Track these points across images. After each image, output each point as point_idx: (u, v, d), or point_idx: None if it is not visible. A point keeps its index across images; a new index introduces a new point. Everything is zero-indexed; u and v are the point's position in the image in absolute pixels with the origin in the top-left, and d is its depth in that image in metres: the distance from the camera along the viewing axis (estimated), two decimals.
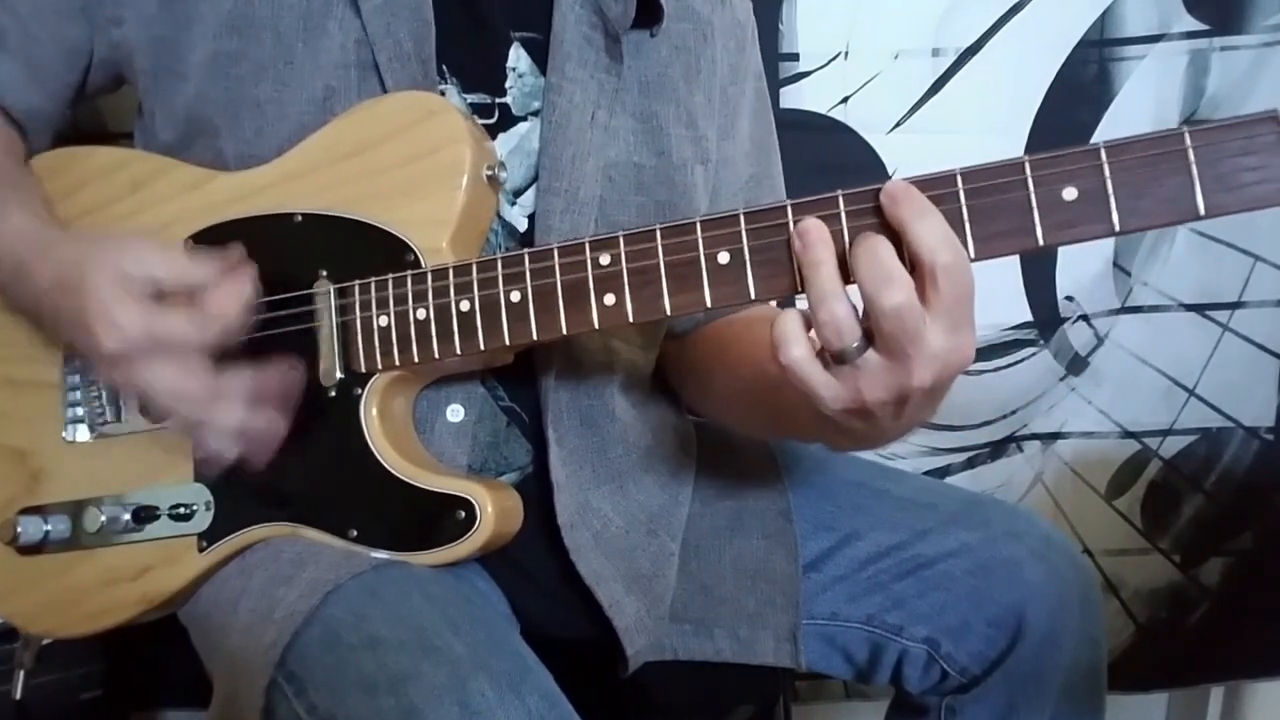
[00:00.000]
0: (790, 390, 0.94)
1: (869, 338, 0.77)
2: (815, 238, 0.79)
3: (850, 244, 0.78)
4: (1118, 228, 0.75)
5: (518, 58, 1.06)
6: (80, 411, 1.07)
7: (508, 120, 1.06)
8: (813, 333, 0.79)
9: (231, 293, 0.92)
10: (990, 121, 1.63)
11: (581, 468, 1.08)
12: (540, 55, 1.06)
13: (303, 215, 1.00)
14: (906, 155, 1.62)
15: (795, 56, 1.61)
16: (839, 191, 0.81)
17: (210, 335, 0.91)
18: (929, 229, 0.75)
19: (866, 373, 0.78)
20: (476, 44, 1.06)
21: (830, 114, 1.63)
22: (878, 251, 0.76)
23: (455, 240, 0.96)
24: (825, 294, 0.77)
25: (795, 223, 0.81)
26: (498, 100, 1.06)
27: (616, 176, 1.07)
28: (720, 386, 1.14)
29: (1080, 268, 1.68)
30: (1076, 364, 1.71)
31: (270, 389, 0.95)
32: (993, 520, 1.12)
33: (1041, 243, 0.77)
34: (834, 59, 1.62)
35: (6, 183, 1.06)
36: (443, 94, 1.03)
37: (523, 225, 1.06)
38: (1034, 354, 1.70)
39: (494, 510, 0.95)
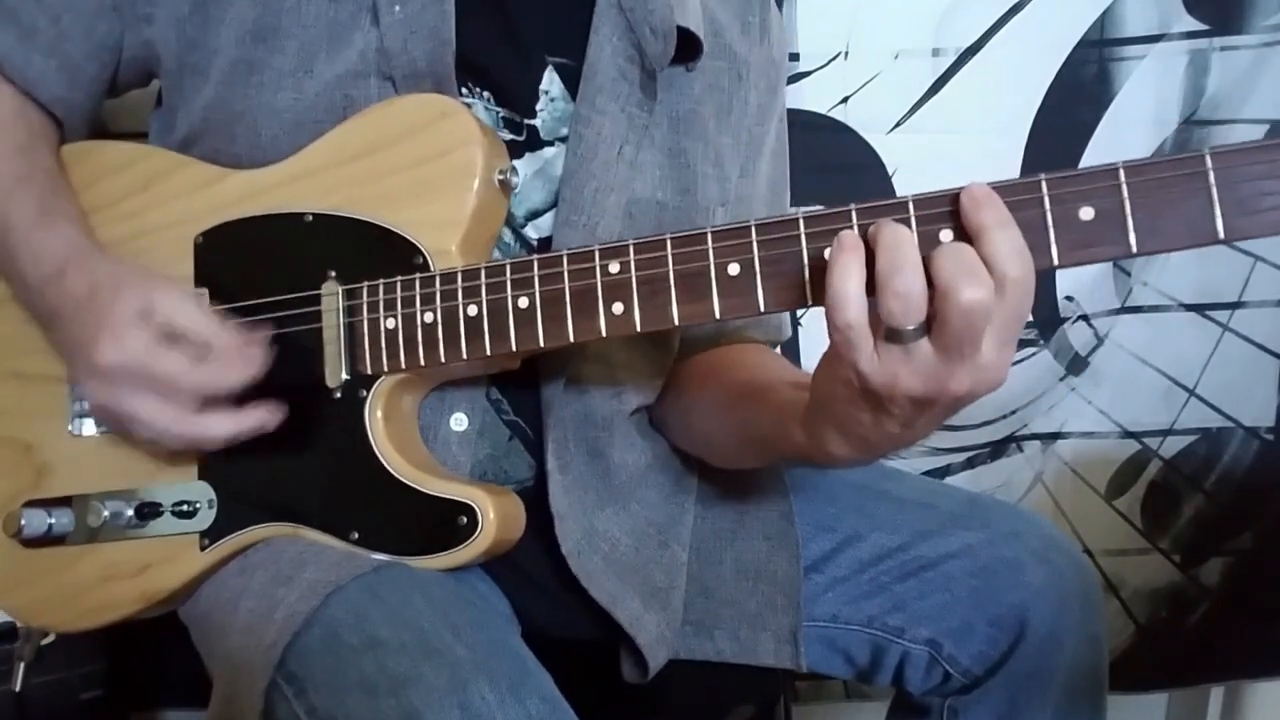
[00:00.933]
0: (776, 395, 0.93)
1: (928, 326, 0.75)
2: (892, 224, 0.76)
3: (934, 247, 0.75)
4: (1135, 249, 0.74)
5: (550, 82, 1.06)
6: (86, 406, 1.06)
7: (535, 143, 1.06)
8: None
9: (240, 369, 0.94)
10: (990, 121, 1.62)
11: (585, 493, 1.08)
12: (573, 82, 1.05)
13: (313, 215, 1.00)
14: (907, 155, 1.62)
15: (795, 56, 1.61)
16: (853, 205, 0.80)
17: (202, 391, 0.94)
18: (1009, 240, 0.74)
19: (913, 360, 0.75)
20: (510, 63, 1.06)
21: (830, 114, 1.63)
22: (965, 251, 0.74)
23: (465, 244, 0.96)
24: (904, 266, 0.73)
25: (807, 234, 0.81)
26: (527, 121, 1.05)
27: (637, 214, 1.06)
28: (703, 413, 1.13)
29: (1080, 268, 1.67)
30: (1076, 364, 1.71)
31: (251, 433, 0.96)
32: (994, 521, 1.12)
33: (1057, 262, 0.76)
34: (834, 59, 1.62)
35: (54, 191, 1.07)
36: (468, 107, 1.02)
37: (535, 246, 1.06)
38: (1034, 354, 1.70)
39: (496, 517, 0.95)
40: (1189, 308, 1.70)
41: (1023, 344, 1.69)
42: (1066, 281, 1.68)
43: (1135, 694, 1.85)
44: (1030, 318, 1.67)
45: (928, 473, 1.71)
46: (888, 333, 0.75)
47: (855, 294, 0.75)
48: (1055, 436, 1.74)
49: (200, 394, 0.94)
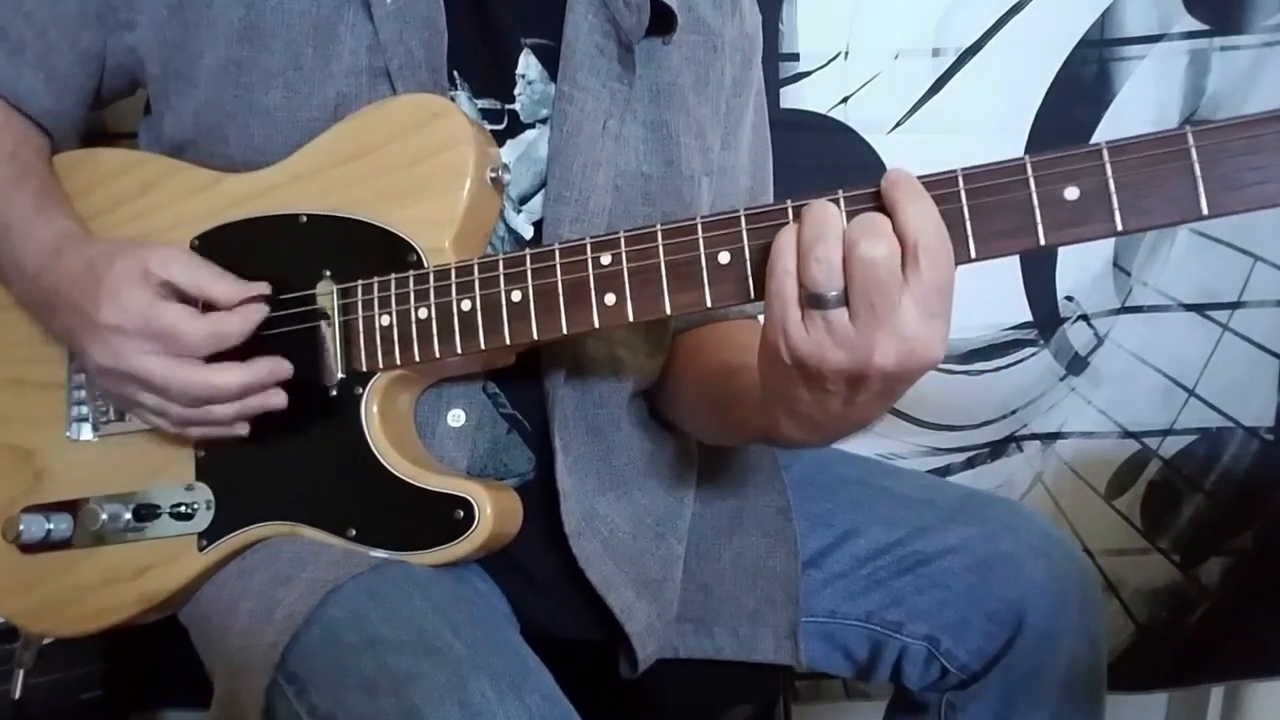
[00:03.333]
0: (744, 378, 0.94)
1: (847, 299, 0.76)
2: (820, 201, 0.79)
3: None
4: (1120, 227, 0.75)
5: (527, 64, 1.06)
6: (84, 410, 1.07)
7: (516, 127, 1.06)
8: None
9: (242, 317, 0.95)
10: (990, 121, 1.63)
11: (586, 476, 1.08)
12: (551, 62, 1.06)
13: (308, 216, 1.01)
14: (906, 155, 1.62)
15: (795, 56, 1.61)
16: (840, 192, 0.80)
17: (207, 341, 0.94)
18: (918, 211, 0.75)
19: (835, 329, 0.76)
20: (487, 50, 1.06)
21: (830, 114, 1.63)
22: (872, 216, 0.76)
23: (458, 241, 0.97)
24: (826, 235, 0.76)
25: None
26: (507, 107, 1.06)
27: (623, 186, 1.07)
28: (685, 392, 1.14)
29: (1080, 268, 1.68)
30: (1076, 364, 1.71)
31: (262, 383, 0.96)
32: (992, 516, 1.13)
33: (1043, 242, 0.77)
34: (834, 59, 1.62)
35: (47, 191, 1.08)
36: (453, 100, 1.03)
37: (528, 233, 1.06)
38: (1034, 354, 1.70)
39: (493, 511, 0.95)
40: (1189, 308, 1.70)
41: (1022, 344, 1.70)
42: (1066, 281, 1.68)
43: (1135, 694, 1.84)
44: (1029, 316, 1.68)
45: (928, 472, 1.71)
46: (810, 299, 0.76)
47: (791, 247, 0.77)
48: (1055, 436, 1.74)
49: (205, 344, 0.94)
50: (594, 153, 1.05)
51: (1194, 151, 0.73)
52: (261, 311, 0.96)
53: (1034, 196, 0.76)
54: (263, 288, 0.97)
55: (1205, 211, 0.74)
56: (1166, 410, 1.74)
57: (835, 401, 0.81)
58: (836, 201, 0.79)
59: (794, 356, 0.79)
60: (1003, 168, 0.77)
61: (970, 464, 1.74)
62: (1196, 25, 1.63)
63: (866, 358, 0.76)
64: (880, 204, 0.77)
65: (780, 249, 0.78)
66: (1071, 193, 0.76)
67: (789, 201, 0.82)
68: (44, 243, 1.02)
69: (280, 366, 0.97)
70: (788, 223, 0.80)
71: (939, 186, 0.78)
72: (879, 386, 0.79)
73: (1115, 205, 0.75)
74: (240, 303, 0.96)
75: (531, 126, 1.06)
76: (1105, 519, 1.77)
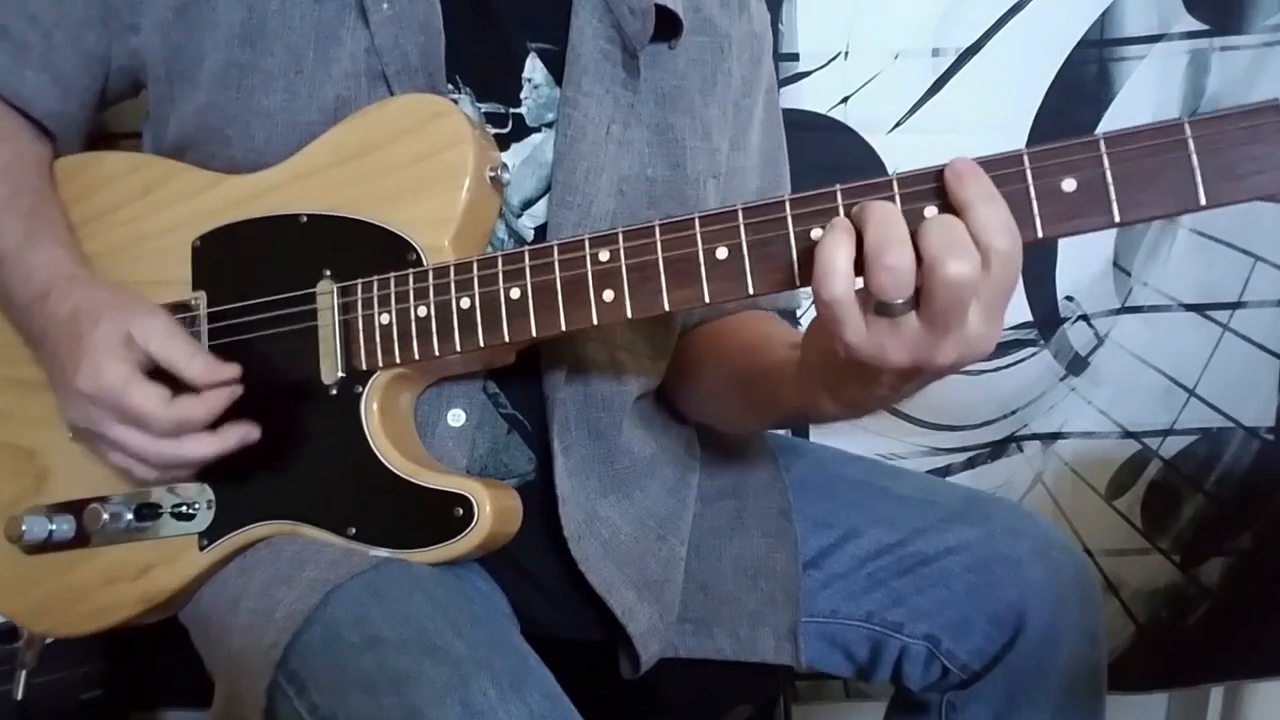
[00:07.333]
0: (772, 354, 0.96)
1: (915, 300, 0.75)
2: (880, 201, 0.77)
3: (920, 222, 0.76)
4: (1118, 218, 0.75)
5: (533, 69, 1.07)
6: None
7: (521, 130, 1.06)
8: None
9: (208, 405, 0.96)
10: (990, 121, 1.63)
11: (588, 478, 1.08)
12: (556, 66, 1.06)
13: (308, 216, 1.01)
14: (906, 155, 1.62)
15: (795, 56, 1.61)
16: (838, 186, 0.80)
17: (172, 427, 0.95)
18: (993, 213, 0.74)
19: (900, 333, 0.76)
20: (492, 54, 1.06)
21: (830, 114, 1.63)
22: (953, 224, 0.74)
23: (458, 239, 0.97)
24: (895, 240, 0.74)
25: (794, 216, 0.81)
26: (512, 110, 1.06)
27: (628, 190, 1.07)
28: (708, 378, 1.14)
29: (1080, 268, 1.68)
30: (1076, 364, 1.71)
31: (230, 448, 0.97)
32: (993, 517, 1.13)
33: (1040, 234, 0.76)
34: (834, 59, 1.62)
35: (40, 213, 1.08)
36: (454, 103, 1.03)
37: (530, 236, 1.06)
38: (1034, 354, 1.70)
39: (492, 509, 0.95)
40: (1189, 308, 1.70)
41: (1022, 344, 1.70)
42: (1066, 281, 1.68)
43: (1135, 694, 1.84)
44: (1029, 316, 1.68)
45: (928, 473, 1.71)
46: (877, 306, 0.76)
47: (844, 269, 0.75)
48: (1055, 436, 1.74)
49: (169, 431, 0.95)
50: (597, 158, 1.05)
51: (1191, 142, 0.73)
52: (231, 395, 0.97)
53: (1031, 188, 0.76)
54: (234, 371, 0.97)
55: (1203, 202, 0.73)
56: (1167, 410, 1.74)
57: (883, 389, 0.82)
58: (891, 197, 0.78)
59: (852, 357, 0.79)
60: (1000, 160, 0.77)
61: (970, 464, 1.74)
62: (1196, 25, 1.63)
63: (928, 359, 0.77)
64: (941, 198, 0.77)
65: (827, 267, 0.75)
66: (1069, 184, 0.76)
67: (786, 197, 0.82)
68: (34, 276, 1.02)
69: (251, 434, 0.98)
70: (782, 213, 0.81)
71: (935, 180, 0.77)
72: (930, 378, 0.80)
73: (1113, 196, 0.75)
74: (211, 385, 0.96)
75: (537, 130, 1.06)
76: (1105, 519, 1.77)
